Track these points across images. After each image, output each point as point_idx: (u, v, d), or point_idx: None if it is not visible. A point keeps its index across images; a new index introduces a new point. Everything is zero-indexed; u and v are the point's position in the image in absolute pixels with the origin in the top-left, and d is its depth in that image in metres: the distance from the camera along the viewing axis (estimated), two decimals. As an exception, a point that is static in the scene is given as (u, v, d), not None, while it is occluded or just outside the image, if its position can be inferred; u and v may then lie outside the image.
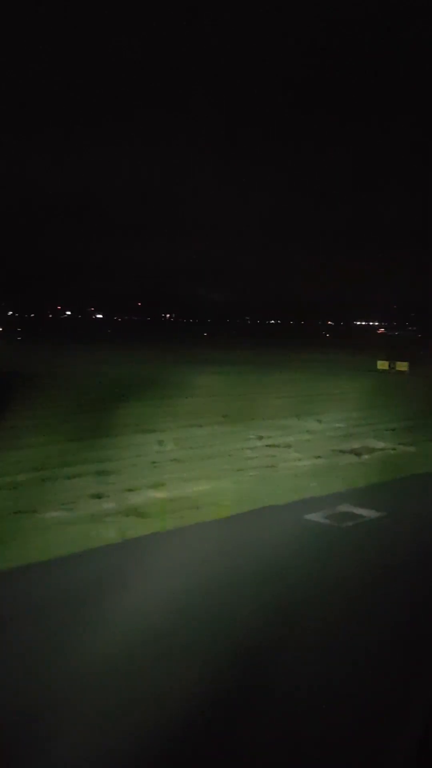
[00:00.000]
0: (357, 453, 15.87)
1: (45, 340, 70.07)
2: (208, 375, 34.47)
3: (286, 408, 23.25)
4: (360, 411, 23.11)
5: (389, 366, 38.46)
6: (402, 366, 37.84)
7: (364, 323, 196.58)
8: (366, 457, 15.62)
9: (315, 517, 10.95)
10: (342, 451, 16.01)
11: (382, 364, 38.88)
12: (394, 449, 16.59)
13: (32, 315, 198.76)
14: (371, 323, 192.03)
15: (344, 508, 11.57)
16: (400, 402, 26.02)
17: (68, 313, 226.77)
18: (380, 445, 17.07)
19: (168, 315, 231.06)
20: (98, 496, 11.40)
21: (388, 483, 13.41)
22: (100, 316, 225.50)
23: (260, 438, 17.27)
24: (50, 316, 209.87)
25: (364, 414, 22.49)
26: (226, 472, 13.55)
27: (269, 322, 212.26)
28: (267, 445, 16.43)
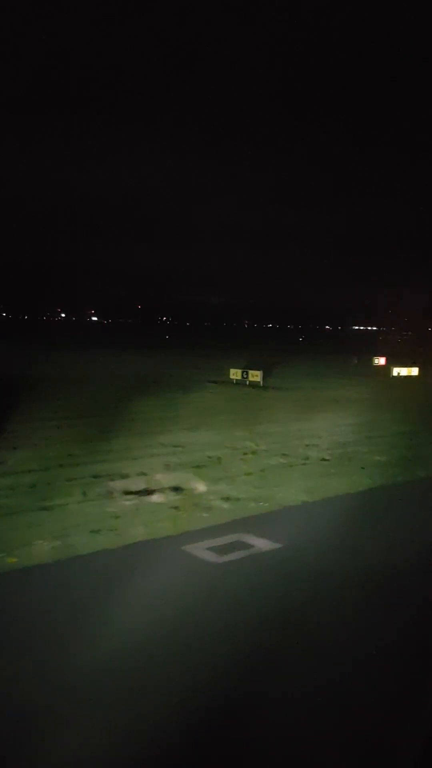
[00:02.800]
0: None
1: None
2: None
3: None
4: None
5: (242, 375, 29.72)
6: (255, 376, 29.10)
7: (362, 328, 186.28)
8: None
9: None
10: None
11: (235, 373, 30.18)
12: None
13: (25, 317, 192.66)
14: (369, 328, 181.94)
15: None
16: (140, 432, 17.21)
17: (63, 315, 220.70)
18: None
19: (164, 318, 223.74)
20: None
21: None
22: (95, 318, 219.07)
23: None
24: (45, 318, 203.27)
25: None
26: None
27: (266, 326, 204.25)
28: None
